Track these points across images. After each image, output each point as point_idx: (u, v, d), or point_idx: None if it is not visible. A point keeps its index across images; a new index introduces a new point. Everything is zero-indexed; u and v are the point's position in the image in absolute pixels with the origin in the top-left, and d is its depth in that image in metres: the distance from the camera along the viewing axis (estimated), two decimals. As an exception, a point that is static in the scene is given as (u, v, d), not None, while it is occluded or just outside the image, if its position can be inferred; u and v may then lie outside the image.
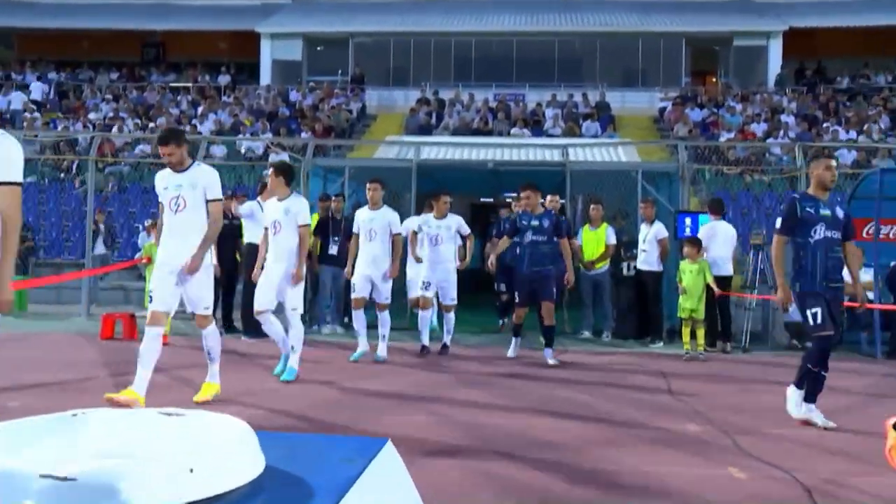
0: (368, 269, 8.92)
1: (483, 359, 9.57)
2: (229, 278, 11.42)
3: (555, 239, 9.20)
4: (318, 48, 30.49)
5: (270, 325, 7.60)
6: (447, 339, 9.84)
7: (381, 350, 8.99)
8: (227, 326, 11.36)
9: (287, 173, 7.80)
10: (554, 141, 17.15)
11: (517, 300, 9.39)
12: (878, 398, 7.72)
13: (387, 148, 17.79)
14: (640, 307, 11.47)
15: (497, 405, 6.77)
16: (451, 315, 9.82)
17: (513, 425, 6.02)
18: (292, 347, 7.63)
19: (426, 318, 9.64)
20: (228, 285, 11.45)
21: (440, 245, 9.63)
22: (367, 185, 9.16)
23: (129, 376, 6.19)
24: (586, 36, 28.42)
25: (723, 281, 10.64)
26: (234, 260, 11.49)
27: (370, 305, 9.26)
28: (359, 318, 9.03)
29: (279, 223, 7.61)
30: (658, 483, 4.64)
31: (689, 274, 9.93)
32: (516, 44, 28.61)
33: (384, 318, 9.09)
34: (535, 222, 9.21)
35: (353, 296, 9.04)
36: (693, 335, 9.95)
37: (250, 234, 10.66)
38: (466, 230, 9.95)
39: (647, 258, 11.11)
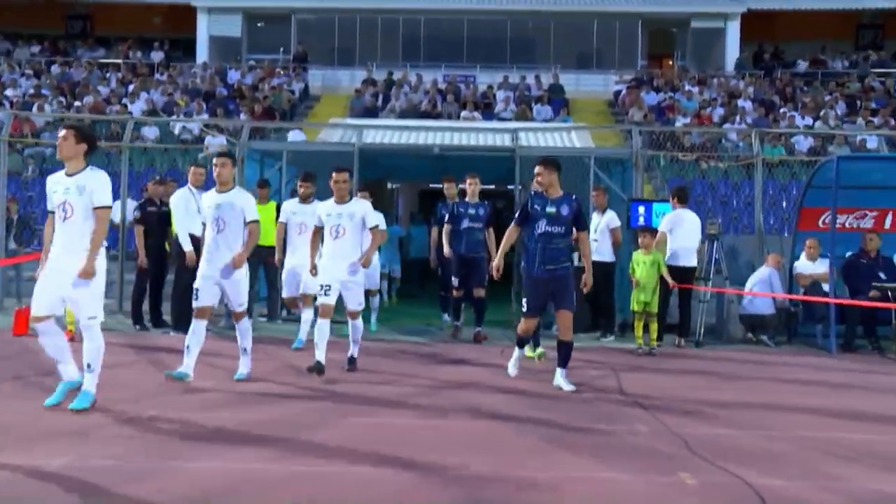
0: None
1: (423, 357, 9.42)
2: (158, 269, 11.06)
3: (572, 231, 7.68)
4: (259, 24, 29.92)
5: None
6: (354, 350, 8.34)
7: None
8: (156, 321, 11.02)
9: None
10: (504, 125, 17.02)
11: (525, 308, 7.70)
12: (833, 394, 7.75)
13: (330, 131, 17.46)
14: (592, 300, 11.38)
15: (426, 406, 6.61)
16: (359, 322, 8.28)
17: (447, 428, 5.88)
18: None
19: (323, 330, 7.76)
20: (157, 277, 11.08)
21: (342, 237, 8.00)
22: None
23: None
24: (540, 16, 28.34)
25: (688, 273, 10.62)
26: (164, 250, 11.13)
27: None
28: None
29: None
30: (601, 494, 4.53)
31: (642, 265, 9.88)
32: (467, 23, 28.41)
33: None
34: (551, 209, 7.48)
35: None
36: (646, 329, 9.91)
37: (180, 224, 10.33)
38: (373, 220, 8.19)
39: (598, 248, 10.97)
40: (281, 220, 9.84)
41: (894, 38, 28.26)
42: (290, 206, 9.99)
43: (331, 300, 7.83)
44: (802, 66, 26.86)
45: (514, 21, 28.53)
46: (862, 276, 10.75)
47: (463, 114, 21.67)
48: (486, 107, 22.86)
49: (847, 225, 11.48)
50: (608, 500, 4.45)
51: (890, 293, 10.30)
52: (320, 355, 7.60)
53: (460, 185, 11.00)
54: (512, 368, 8.11)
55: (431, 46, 28.12)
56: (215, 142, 18.68)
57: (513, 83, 24.37)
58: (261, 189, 12.03)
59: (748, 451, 5.38)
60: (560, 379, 7.51)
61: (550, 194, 7.50)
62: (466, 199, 10.57)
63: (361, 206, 8.11)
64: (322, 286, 7.85)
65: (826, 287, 10.81)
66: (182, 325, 9.94)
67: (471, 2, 28.51)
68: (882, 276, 10.73)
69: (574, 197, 7.66)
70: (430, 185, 21.94)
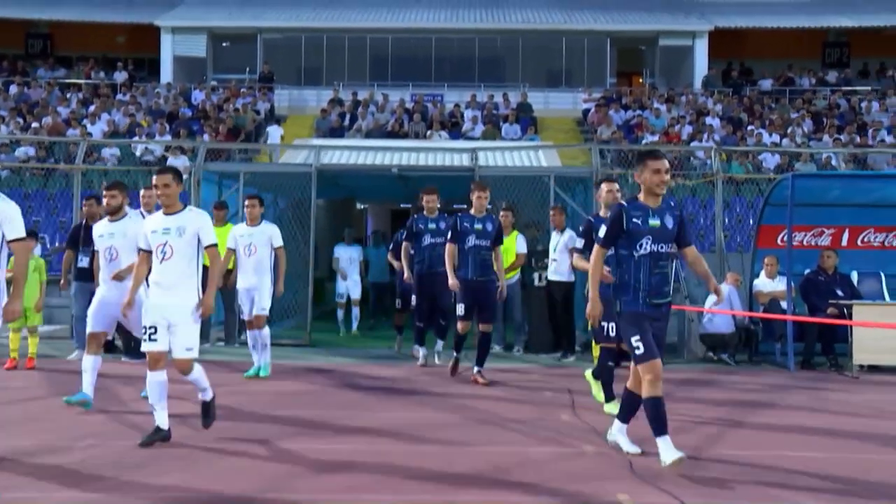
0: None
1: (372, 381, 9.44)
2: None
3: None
4: (224, 44, 29.94)
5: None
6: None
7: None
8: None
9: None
10: (466, 144, 17.14)
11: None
12: (786, 412, 7.83)
13: (295, 152, 17.51)
14: (553, 320, 11.47)
15: (368, 430, 6.63)
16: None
17: (393, 453, 5.90)
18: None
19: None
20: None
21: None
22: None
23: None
24: (508, 34, 28.59)
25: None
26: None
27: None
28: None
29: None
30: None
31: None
32: (435, 42, 28.60)
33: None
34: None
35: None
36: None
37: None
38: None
39: (557, 268, 11.10)
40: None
41: (860, 56, 28.76)
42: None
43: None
44: (769, 83, 27.26)
45: (482, 39, 28.76)
46: (820, 293, 10.91)
47: (430, 133, 21.79)
48: (453, 126, 22.99)
49: (805, 242, 11.66)
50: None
51: (846, 310, 10.45)
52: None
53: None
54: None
55: (399, 65, 28.26)
56: (178, 163, 18.65)
57: (481, 102, 24.55)
58: (217, 211, 12.04)
59: (691, 471, 5.44)
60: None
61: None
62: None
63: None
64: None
65: (785, 304, 10.95)
66: (133, 351, 9.91)
67: (439, 20, 28.72)
68: (839, 293, 10.89)
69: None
70: (402, 206, 22.00)
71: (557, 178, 12.76)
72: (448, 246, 9.06)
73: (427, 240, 9.95)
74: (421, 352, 10.38)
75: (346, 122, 23.23)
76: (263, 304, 9.28)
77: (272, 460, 5.66)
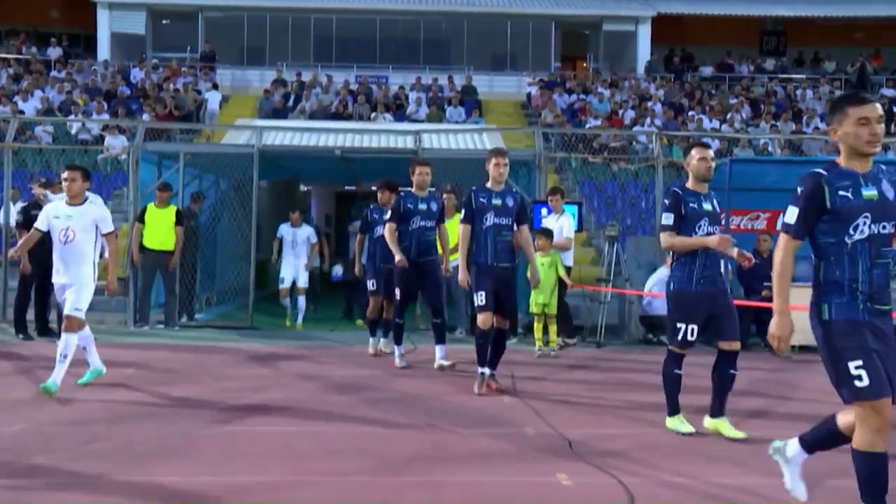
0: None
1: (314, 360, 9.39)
2: (43, 275, 10.71)
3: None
4: (165, 22, 29.31)
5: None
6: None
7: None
8: (41, 329, 10.70)
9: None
10: (411, 126, 17.06)
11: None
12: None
13: (237, 133, 17.23)
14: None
15: (309, 412, 6.60)
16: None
17: (328, 435, 5.88)
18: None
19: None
20: (42, 283, 10.73)
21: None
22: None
23: None
24: (453, 16, 28.51)
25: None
26: (50, 255, 10.78)
27: None
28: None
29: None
30: (476, 493, 4.60)
31: (541, 267, 10.01)
32: (380, 23, 28.39)
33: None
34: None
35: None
36: (545, 331, 10.07)
37: None
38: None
39: (501, 251, 11.13)
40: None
41: (796, 45, 29.39)
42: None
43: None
44: (710, 70, 27.68)
45: (427, 22, 28.64)
46: (755, 276, 11.13)
47: (374, 115, 21.65)
48: (398, 108, 22.87)
49: (741, 226, 11.90)
50: (479, 496, 4.53)
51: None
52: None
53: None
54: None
55: (343, 47, 28.01)
56: (116, 143, 18.24)
57: (425, 84, 24.45)
58: (161, 192, 11.85)
59: (631, 451, 5.52)
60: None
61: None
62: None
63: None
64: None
65: (723, 287, 11.15)
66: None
67: (383, 2, 28.49)
68: (775, 275, 11.12)
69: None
70: (346, 188, 21.86)
71: (501, 162, 12.74)
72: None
73: (416, 222, 8.64)
74: (397, 351, 9.08)
75: (290, 103, 22.94)
76: (79, 304, 7.22)
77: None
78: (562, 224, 10.90)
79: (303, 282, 12.98)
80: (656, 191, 13.28)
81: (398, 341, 9.07)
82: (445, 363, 8.60)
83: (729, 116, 22.41)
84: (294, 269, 12.96)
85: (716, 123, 22.01)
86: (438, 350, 8.72)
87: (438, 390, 7.67)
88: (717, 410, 5.99)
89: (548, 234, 10.30)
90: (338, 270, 14.76)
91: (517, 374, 8.51)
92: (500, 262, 7.51)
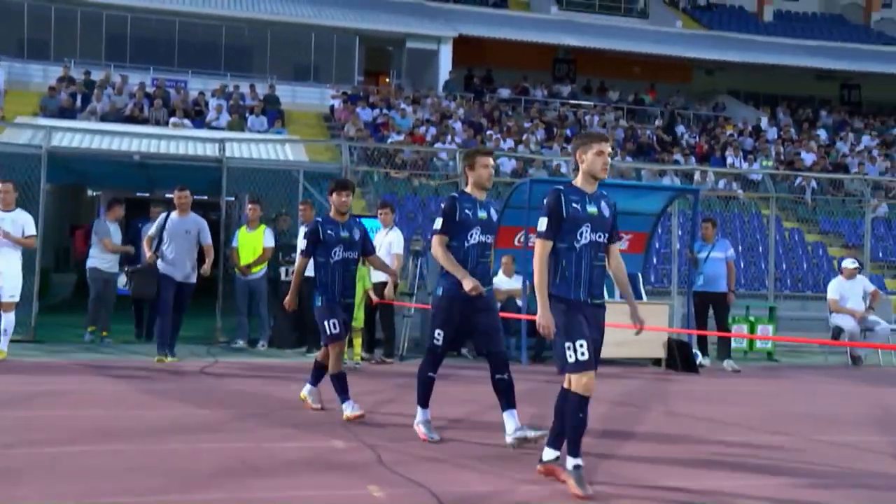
0: None
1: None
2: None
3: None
4: (-69, 7, 26.80)
5: None
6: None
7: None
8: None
9: None
10: (211, 134, 16.63)
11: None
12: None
13: (17, 131, 16.03)
14: (300, 315, 11.43)
15: (110, 428, 6.30)
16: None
17: (129, 452, 5.63)
18: None
19: None
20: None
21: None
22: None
23: None
24: (256, 24, 27.99)
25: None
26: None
27: None
28: None
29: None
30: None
31: (348, 280, 10.04)
32: (179, 25, 27.38)
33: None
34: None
35: None
36: (350, 344, 10.10)
37: None
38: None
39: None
40: None
41: (585, 73, 31.33)
42: None
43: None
44: (507, 92, 28.90)
45: (229, 27, 27.94)
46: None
47: (172, 120, 20.85)
48: (196, 114, 22.17)
49: (538, 243, 12.47)
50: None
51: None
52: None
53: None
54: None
55: (139, 47, 26.76)
56: None
57: (227, 91, 23.87)
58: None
59: (437, 461, 5.66)
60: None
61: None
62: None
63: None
64: None
65: (520, 302, 11.68)
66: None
67: (183, 4, 27.50)
68: (567, 291, 11.77)
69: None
70: (138, 195, 20.81)
71: (307, 173, 12.76)
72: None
73: (475, 235, 6.16)
74: (421, 417, 6.53)
75: (79, 102, 21.64)
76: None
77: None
78: (391, 239, 10.76)
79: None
80: (458, 207, 13.65)
81: (424, 403, 6.43)
82: (531, 434, 6.03)
83: (525, 137, 23.49)
84: None
85: (511, 143, 23.00)
86: (509, 420, 6.13)
87: (241, 403, 7.51)
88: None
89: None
90: (120, 281, 13.82)
91: (321, 387, 8.48)
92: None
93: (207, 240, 10.01)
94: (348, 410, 6.90)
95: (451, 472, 5.44)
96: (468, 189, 6.23)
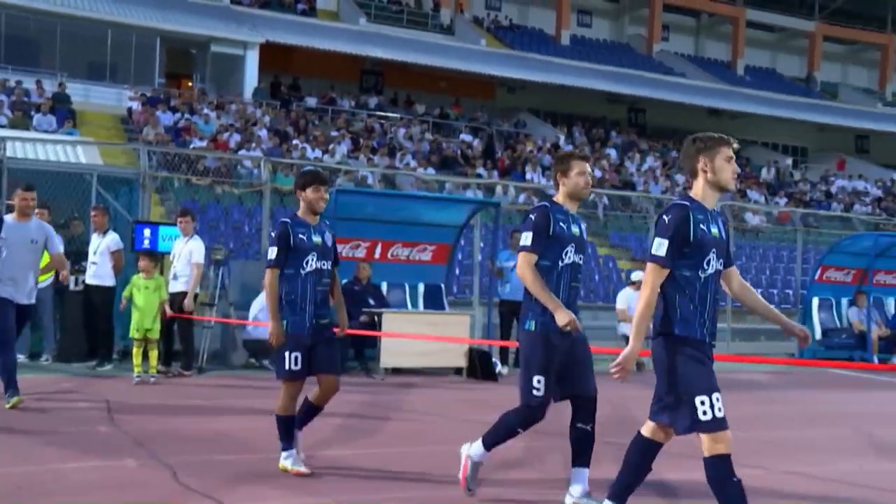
0: None
1: None
2: None
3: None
4: None
5: None
6: None
7: None
8: None
9: None
10: (-7, 133, 15.40)
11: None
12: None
13: None
14: (90, 326, 10.89)
15: None
16: None
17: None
18: None
19: None
20: None
21: None
22: None
23: None
24: (43, 15, 26.11)
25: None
26: None
27: None
28: None
29: None
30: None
31: (144, 290, 9.64)
32: (-47, 10, 25.18)
33: None
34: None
35: None
36: (146, 356, 9.69)
37: None
38: None
39: (97, 271, 10.63)
40: None
41: (392, 85, 31.72)
42: None
43: None
44: (315, 101, 28.73)
45: (11, 17, 25.87)
46: (355, 301, 11.74)
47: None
48: (-27, 110, 20.47)
49: (344, 254, 12.47)
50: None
51: (377, 318, 11.44)
52: None
53: None
54: None
55: None
56: None
57: (9, 87, 22.18)
58: None
59: (234, 476, 5.53)
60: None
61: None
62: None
63: None
64: None
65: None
66: None
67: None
68: (372, 301, 11.88)
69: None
70: None
71: (101, 178, 12.12)
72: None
73: (570, 255, 5.08)
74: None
75: None
76: None
77: None
78: (191, 248, 10.52)
79: None
80: (263, 216, 13.46)
81: (489, 447, 5.21)
82: None
83: (331, 147, 23.44)
84: None
85: (318, 153, 22.87)
86: (578, 480, 5.07)
87: (21, 422, 6.98)
88: None
89: (152, 256, 10.01)
90: None
91: (113, 402, 8.06)
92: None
93: (58, 248, 8.33)
94: (288, 462, 5.63)
95: (240, 489, 5.32)
96: (558, 199, 5.19)
